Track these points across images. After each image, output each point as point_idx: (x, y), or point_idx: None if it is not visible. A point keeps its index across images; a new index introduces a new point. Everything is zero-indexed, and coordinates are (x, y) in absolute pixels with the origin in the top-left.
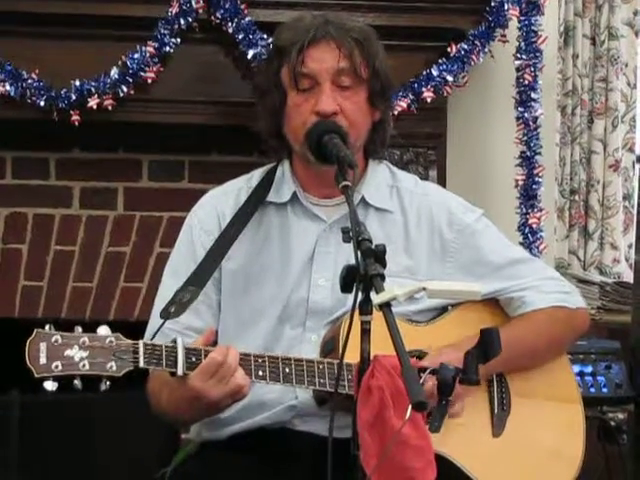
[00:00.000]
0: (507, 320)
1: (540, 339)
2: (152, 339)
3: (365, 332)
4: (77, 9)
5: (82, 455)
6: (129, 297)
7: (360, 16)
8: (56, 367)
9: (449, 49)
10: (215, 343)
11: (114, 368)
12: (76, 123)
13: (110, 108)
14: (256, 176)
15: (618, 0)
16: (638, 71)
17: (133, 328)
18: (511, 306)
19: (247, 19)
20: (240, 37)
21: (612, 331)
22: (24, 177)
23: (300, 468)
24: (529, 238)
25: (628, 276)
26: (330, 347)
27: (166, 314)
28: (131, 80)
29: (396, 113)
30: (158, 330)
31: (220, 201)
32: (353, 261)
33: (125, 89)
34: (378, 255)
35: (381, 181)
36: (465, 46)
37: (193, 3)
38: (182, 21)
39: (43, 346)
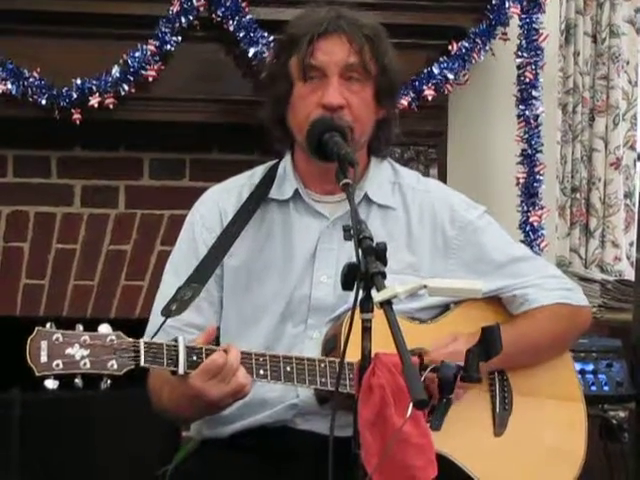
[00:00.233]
0: (510, 318)
1: (543, 336)
2: (153, 337)
3: (366, 330)
4: (78, 7)
5: (83, 453)
6: (130, 295)
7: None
8: (57, 365)
9: (450, 47)
10: (217, 340)
11: (115, 367)
12: (77, 121)
13: (111, 106)
14: (258, 173)
15: None
16: (639, 69)
17: (134, 326)
18: (513, 304)
19: (248, 17)
20: (241, 35)
21: (613, 329)
22: (25, 175)
23: (301, 467)
24: (530, 236)
25: (629, 274)
26: (332, 345)
27: (167, 312)
28: (132, 78)
29: (397, 111)
30: (159, 328)
31: (222, 198)
32: (355, 258)
33: (126, 87)
34: (379, 253)
35: (384, 178)
36: (466, 44)
37: (194, 1)
38: (183, 19)
39: (44, 344)
